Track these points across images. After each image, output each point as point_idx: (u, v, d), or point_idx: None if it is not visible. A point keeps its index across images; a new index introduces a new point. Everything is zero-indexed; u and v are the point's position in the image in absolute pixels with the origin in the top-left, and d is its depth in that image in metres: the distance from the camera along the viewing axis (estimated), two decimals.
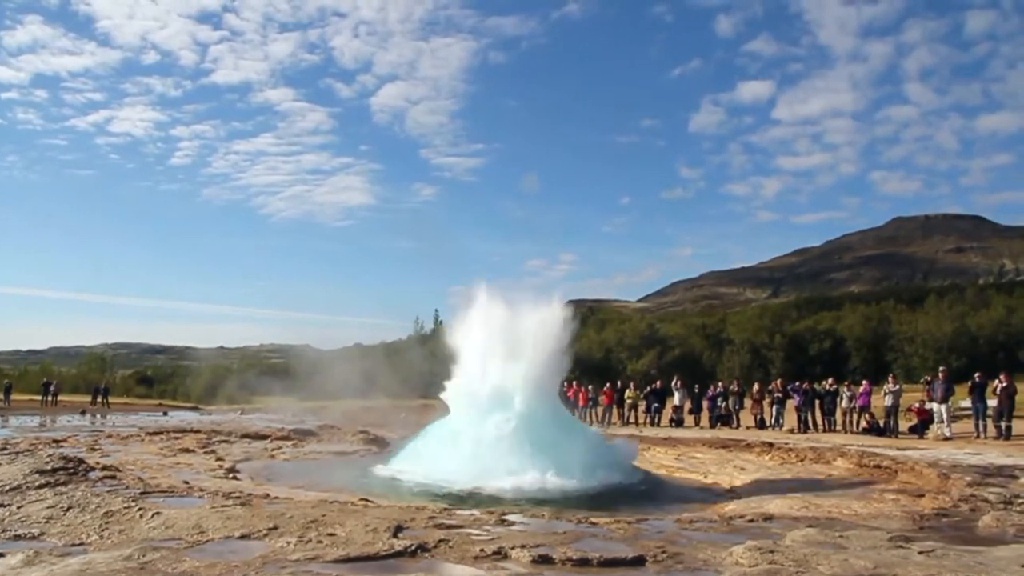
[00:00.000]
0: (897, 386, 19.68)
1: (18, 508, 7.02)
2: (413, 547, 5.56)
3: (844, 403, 20.69)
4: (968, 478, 10.26)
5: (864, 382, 21.77)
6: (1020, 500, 8.57)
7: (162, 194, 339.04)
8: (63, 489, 8.01)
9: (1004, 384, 17.33)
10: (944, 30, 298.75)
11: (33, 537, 5.93)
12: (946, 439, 17.07)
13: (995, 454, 13.54)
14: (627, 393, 25.48)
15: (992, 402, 17.78)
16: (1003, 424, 16.97)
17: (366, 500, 8.71)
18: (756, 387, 23.71)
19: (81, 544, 5.74)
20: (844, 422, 20.49)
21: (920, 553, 5.63)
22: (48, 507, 7.03)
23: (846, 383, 22.20)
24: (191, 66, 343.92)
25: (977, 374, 18.35)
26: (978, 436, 17.22)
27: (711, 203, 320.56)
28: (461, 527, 6.41)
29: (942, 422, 17.85)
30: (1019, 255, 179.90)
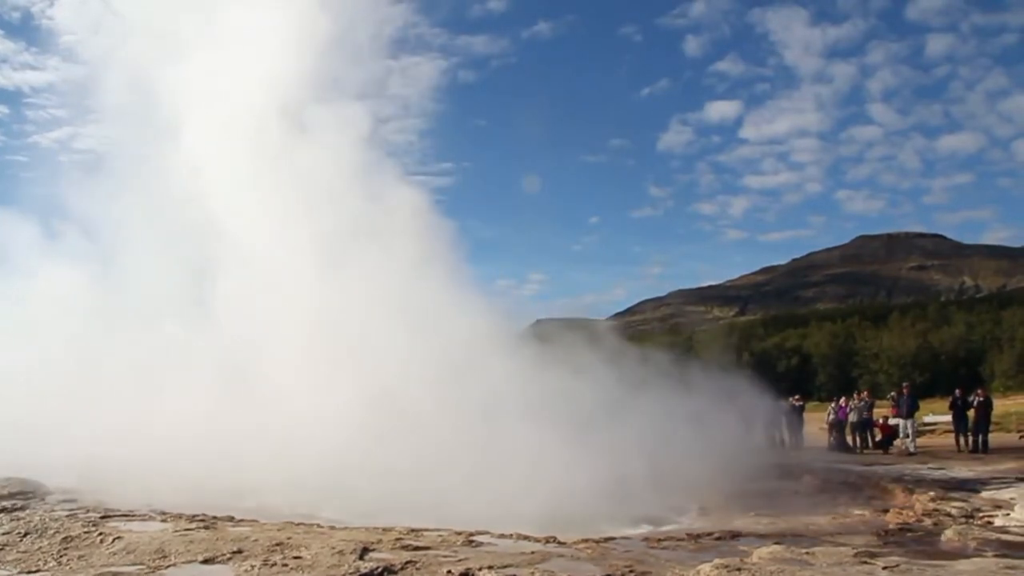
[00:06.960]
0: (863, 402, 19.88)
1: None
2: (380, 569, 5.49)
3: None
4: (932, 492, 10.40)
5: (843, 398, 21.74)
6: (981, 514, 8.72)
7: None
8: (20, 514, 7.81)
9: (981, 399, 17.62)
10: (905, 52, 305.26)
11: None
12: (910, 454, 17.29)
13: (958, 468, 13.75)
14: None
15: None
16: (980, 438, 17.25)
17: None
18: None
19: (38, 571, 5.59)
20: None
21: (885, 568, 5.70)
22: (4, 533, 6.84)
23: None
24: None
25: (958, 391, 18.51)
26: (960, 451, 17.45)
27: (679, 222, 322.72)
28: (428, 548, 6.34)
29: (907, 437, 18.09)
30: (979, 272, 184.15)
